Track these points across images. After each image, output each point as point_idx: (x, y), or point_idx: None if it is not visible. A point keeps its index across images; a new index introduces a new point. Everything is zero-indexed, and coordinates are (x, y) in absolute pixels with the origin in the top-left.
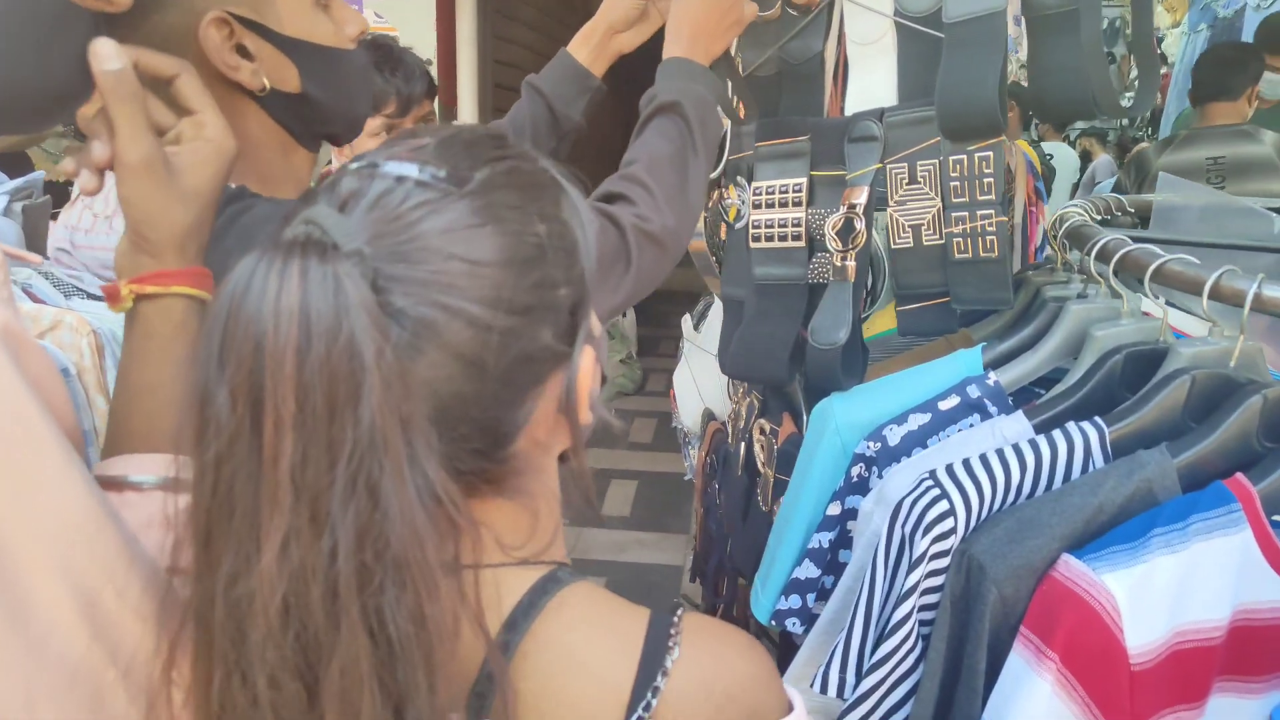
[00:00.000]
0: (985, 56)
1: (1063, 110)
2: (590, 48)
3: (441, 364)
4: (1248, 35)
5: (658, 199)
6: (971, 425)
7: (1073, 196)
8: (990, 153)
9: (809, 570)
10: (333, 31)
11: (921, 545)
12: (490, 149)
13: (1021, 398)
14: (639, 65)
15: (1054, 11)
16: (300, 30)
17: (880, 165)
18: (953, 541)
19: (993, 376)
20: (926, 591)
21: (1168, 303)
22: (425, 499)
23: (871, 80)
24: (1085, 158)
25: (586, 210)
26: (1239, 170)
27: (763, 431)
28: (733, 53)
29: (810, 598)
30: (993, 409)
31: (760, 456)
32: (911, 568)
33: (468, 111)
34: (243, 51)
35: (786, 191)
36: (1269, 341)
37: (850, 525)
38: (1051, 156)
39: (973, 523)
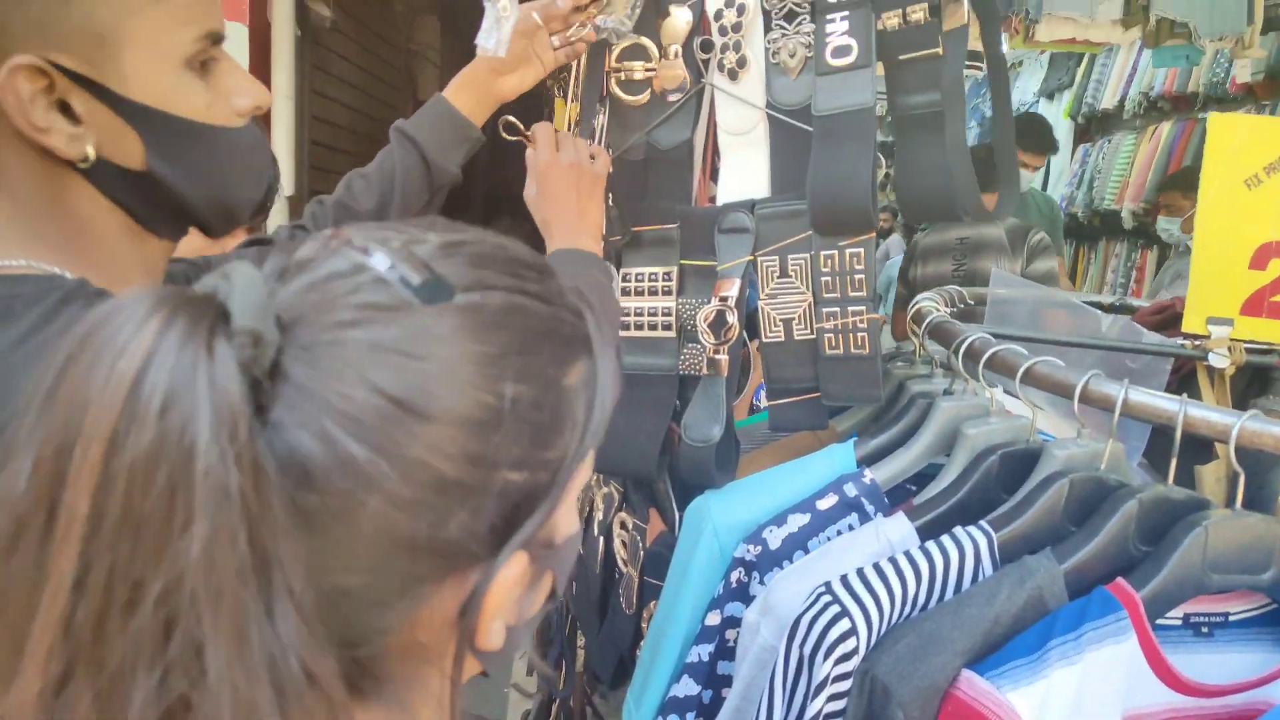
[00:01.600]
0: (856, 151)
1: (927, 210)
2: (471, 94)
3: (301, 513)
4: None
5: None
6: (850, 526)
7: None
8: (861, 249)
9: (688, 687)
10: (206, 102)
11: (824, 669)
12: (505, 273)
13: (895, 495)
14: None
15: (920, 112)
16: (154, 95)
17: (752, 257)
18: (855, 662)
19: (868, 474)
20: (830, 716)
21: (1005, 390)
22: (279, 677)
23: (743, 170)
24: (884, 234)
25: (609, 386)
26: (977, 250)
27: (625, 527)
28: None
29: (690, 717)
30: (870, 508)
31: (622, 554)
32: (815, 693)
33: (281, 168)
34: (66, 110)
35: (656, 279)
36: (1109, 433)
37: (730, 634)
38: None
39: (873, 639)
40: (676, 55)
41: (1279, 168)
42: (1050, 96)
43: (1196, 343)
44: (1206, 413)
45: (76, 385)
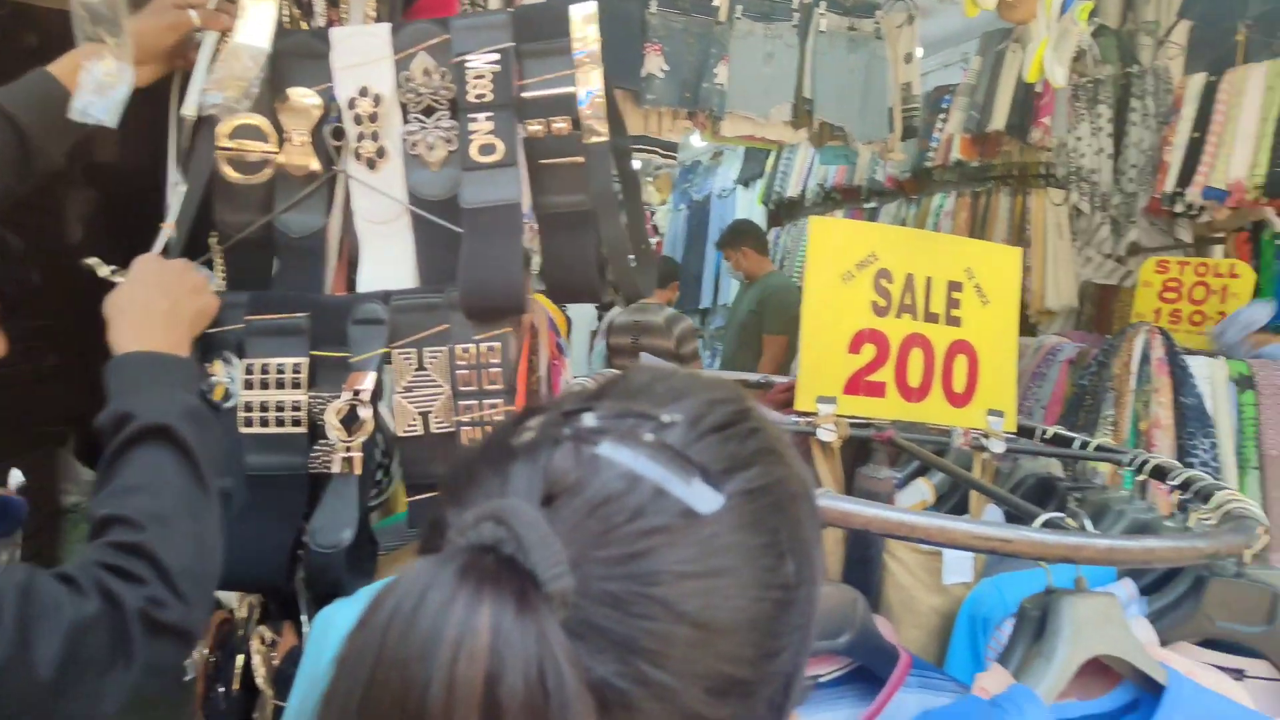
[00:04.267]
0: (505, 244)
1: (571, 292)
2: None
3: None
4: (715, 216)
5: (172, 574)
6: None
7: (591, 345)
8: (498, 343)
9: None
10: None
11: None
12: (744, 434)
13: None
14: None
15: (565, 211)
16: None
17: (387, 349)
18: None
19: None
20: None
21: None
22: None
23: (385, 260)
24: (607, 307)
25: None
26: (645, 330)
27: (263, 641)
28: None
29: None
30: None
31: (260, 671)
32: None
33: None
34: None
35: (284, 371)
36: None
37: None
38: (564, 308)
39: None
40: (305, 140)
41: (868, 264)
42: (746, 184)
43: (808, 419)
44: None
45: (407, 678)
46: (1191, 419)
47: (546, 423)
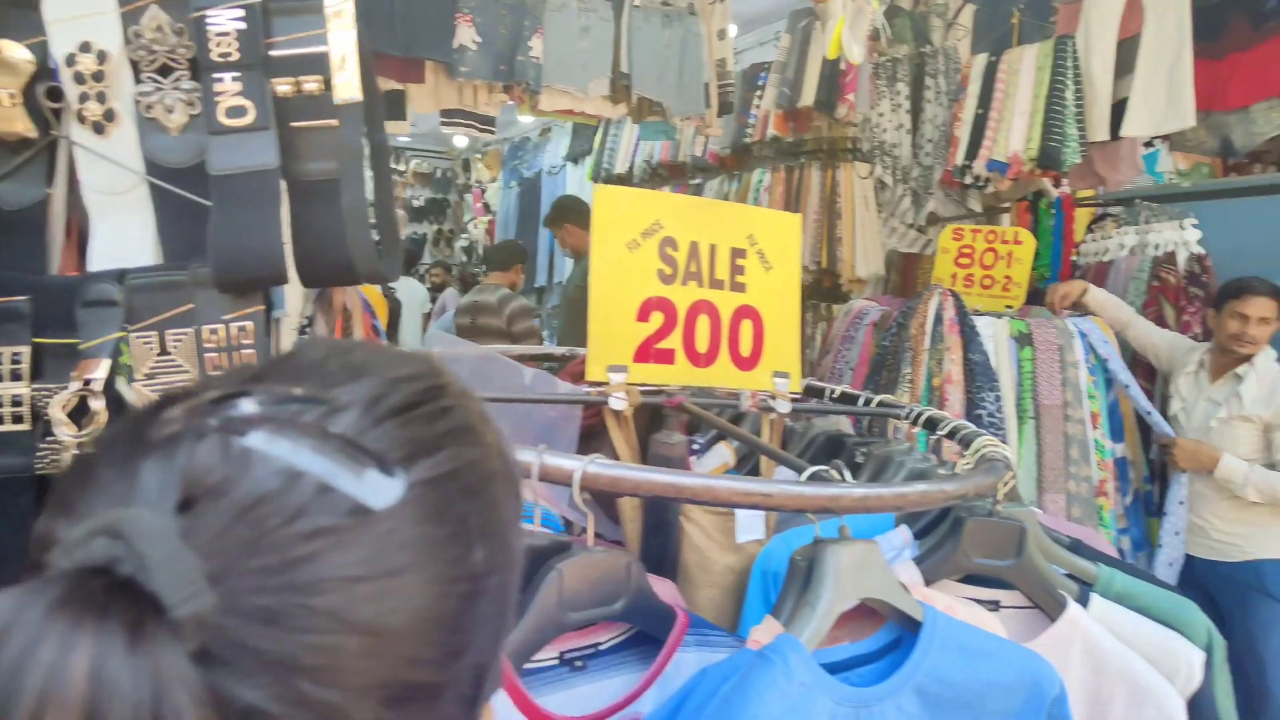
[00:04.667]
0: (261, 213)
1: (324, 273)
2: None
3: None
4: (546, 194)
5: None
6: None
7: (425, 329)
8: (250, 322)
9: None
10: None
11: None
12: (431, 416)
13: None
14: None
15: (317, 179)
16: None
17: (123, 333)
18: None
19: None
20: None
21: None
22: None
23: (121, 236)
24: (441, 288)
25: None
26: (483, 311)
27: None
28: None
29: None
30: None
31: None
32: None
33: None
34: None
35: (2, 361)
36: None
37: None
38: (395, 290)
39: None
40: (15, 101)
41: (654, 232)
42: (575, 161)
43: (600, 389)
44: (559, 460)
45: None
46: (979, 374)
47: (190, 411)
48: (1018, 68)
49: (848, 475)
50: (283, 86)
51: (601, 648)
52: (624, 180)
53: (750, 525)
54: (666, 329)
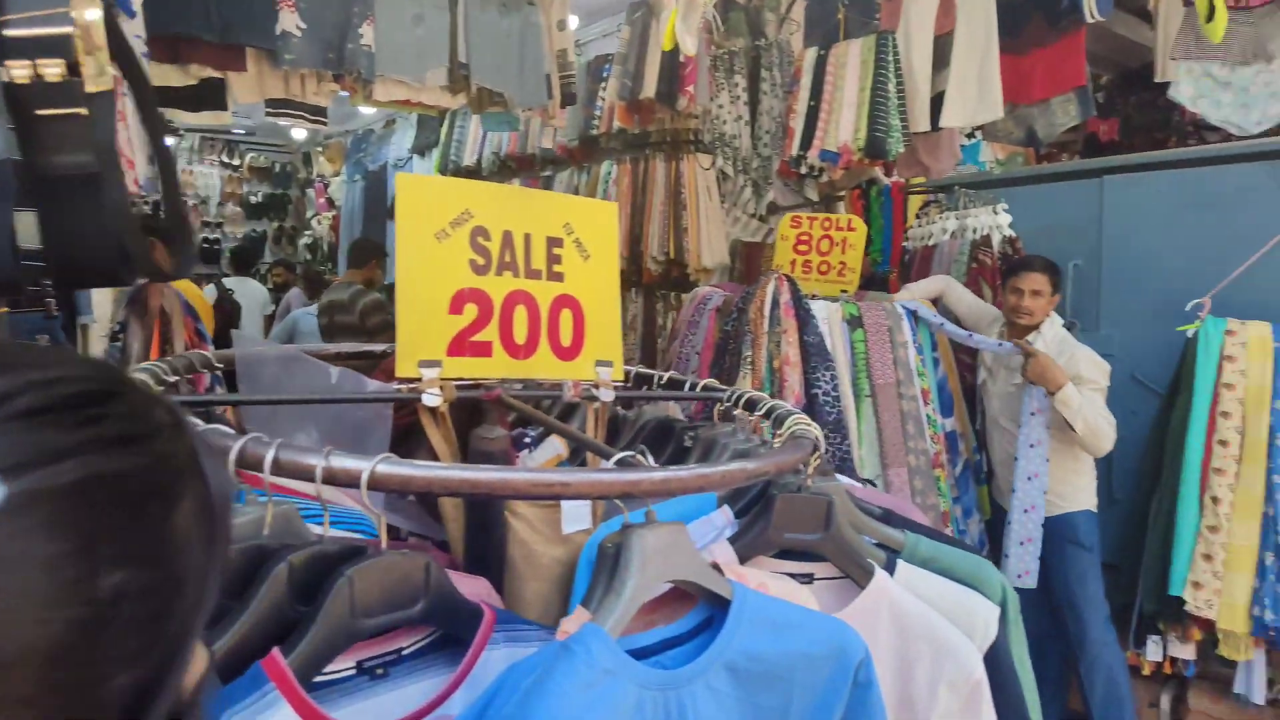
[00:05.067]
0: None
1: (85, 274)
2: None
3: None
4: (391, 186)
5: None
6: None
7: (267, 330)
8: None
9: None
10: None
11: None
12: (69, 420)
13: None
14: None
15: (70, 173)
16: None
17: None
18: None
19: None
20: None
21: None
22: None
23: None
24: (285, 288)
25: (226, 501)
26: (339, 309)
27: None
28: None
29: None
30: None
31: None
32: None
33: None
34: None
35: None
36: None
37: None
38: (232, 291)
39: None
40: None
41: (463, 221)
42: (422, 154)
43: (412, 386)
44: (345, 462)
45: None
46: (814, 355)
47: None
48: (844, 61)
49: (651, 459)
50: (17, 70)
51: (405, 652)
52: (473, 173)
53: (576, 516)
54: (482, 321)
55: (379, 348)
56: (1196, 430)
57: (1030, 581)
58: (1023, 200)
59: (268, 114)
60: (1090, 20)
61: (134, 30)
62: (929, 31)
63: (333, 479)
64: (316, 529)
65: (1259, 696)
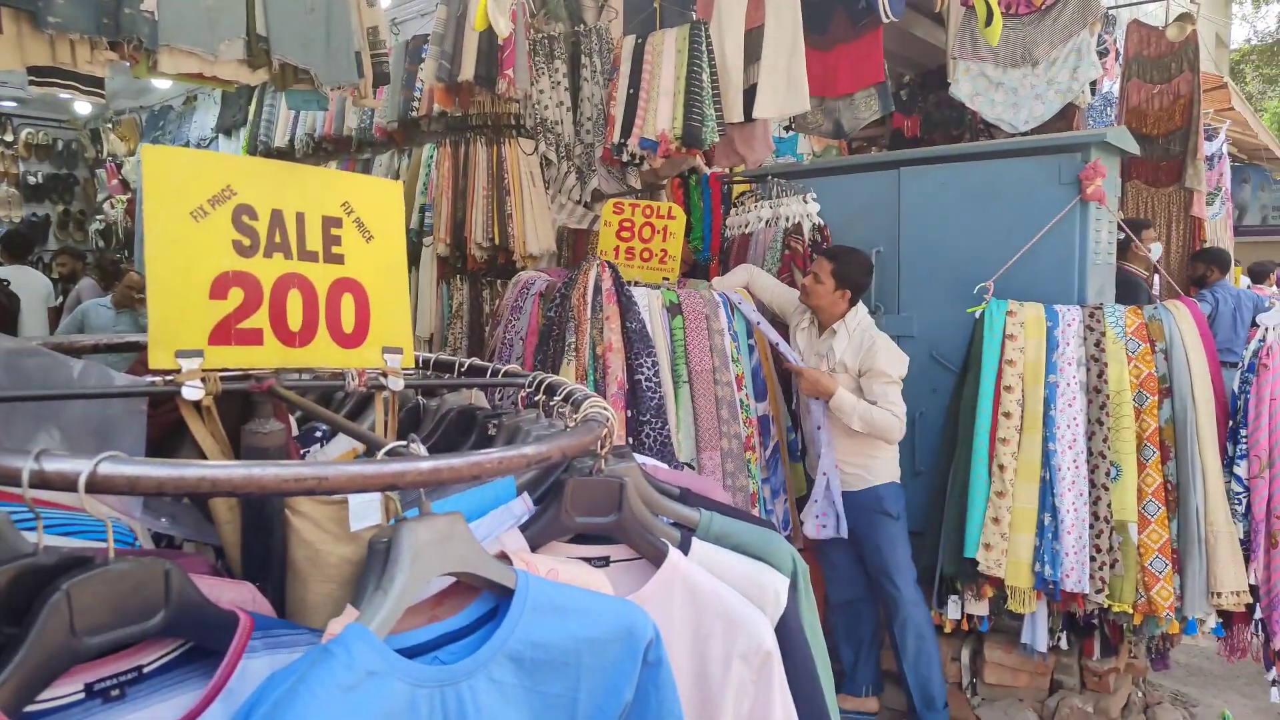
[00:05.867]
0: None
1: None
2: None
3: None
4: None
5: None
6: None
7: (54, 324)
8: None
9: None
10: None
11: None
12: None
13: None
14: None
15: None
16: None
17: None
18: None
19: None
20: None
21: None
22: None
23: None
24: (73, 278)
25: None
26: None
27: None
28: None
29: None
30: None
31: None
32: None
33: None
34: None
35: None
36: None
37: None
38: (8, 282)
39: None
40: None
41: (225, 199)
42: (229, 133)
43: (169, 378)
44: (60, 464)
45: None
46: (636, 341)
47: None
48: (661, 50)
49: (419, 448)
50: None
51: (146, 669)
52: (284, 154)
53: (365, 512)
54: (250, 306)
55: (144, 338)
56: (984, 404)
57: (826, 534)
58: (831, 190)
59: (32, 83)
60: (885, 20)
61: None
62: (740, 24)
63: (45, 482)
64: (38, 537)
65: (1042, 645)
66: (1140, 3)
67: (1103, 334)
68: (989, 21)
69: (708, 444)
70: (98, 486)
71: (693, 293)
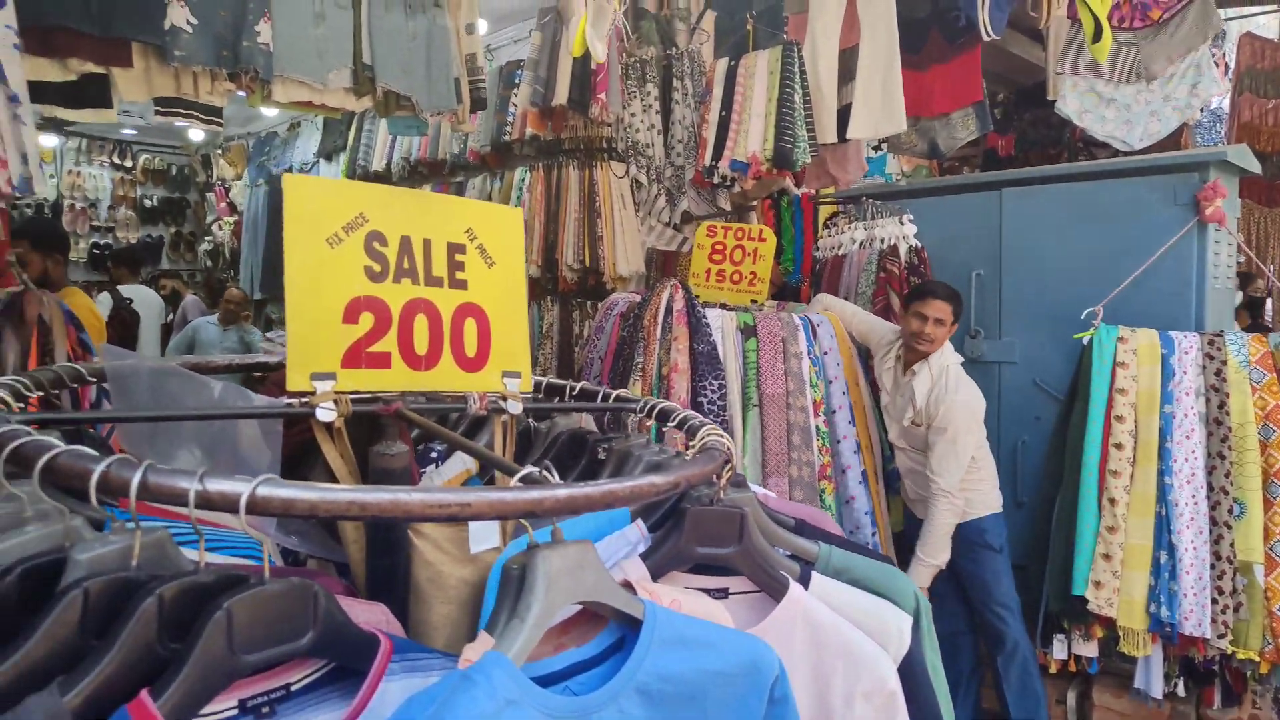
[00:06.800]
0: None
1: None
2: None
3: None
4: None
5: None
6: None
7: (165, 340)
8: None
9: None
10: None
11: None
12: None
13: None
14: None
15: None
16: None
17: None
18: None
19: None
20: None
21: None
22: None
23: None
24: (176, 297)
25: None
26: None
27: None
28: None
29: None
30: None
31: None
32: None
33: None
34: None
35: None
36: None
37: None
38: (131, 300)
39: None
40: None
41: (357, 226)
42: (329, 158)
43: (305, 400)
44: (222, 485)
45: None
46: (703, 363)
47: None
48: (753, 72)
49: (555, 476)
50: None
51: (294, 688)
52: (382, 178)
53: (484, 534)
54: (379, 331)
55: (273, 359)
56: (1093, 434)
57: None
58: (927, 211)
59: (157, 113)
60: (986, 39)
61: (4, 20)
62: (834, 44)
63: (208, 503)
64: (197, 555)
65: (1157, 691)
66: (1253, 15)
67: (1224, 362)
68: (1097, 37)
69: (775, 470)
70: (256, 508)
71: (770, 315)
